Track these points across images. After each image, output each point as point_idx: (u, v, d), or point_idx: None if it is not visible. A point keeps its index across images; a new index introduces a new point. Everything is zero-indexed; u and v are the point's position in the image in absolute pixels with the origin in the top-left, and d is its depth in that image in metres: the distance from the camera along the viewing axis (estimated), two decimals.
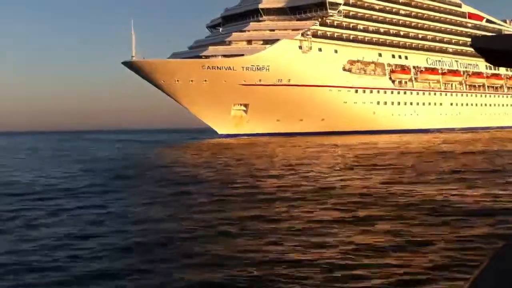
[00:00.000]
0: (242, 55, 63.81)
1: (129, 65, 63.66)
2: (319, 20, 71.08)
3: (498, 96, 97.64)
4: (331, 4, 70.69)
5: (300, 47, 68.10)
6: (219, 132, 68.25)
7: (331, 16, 71.78)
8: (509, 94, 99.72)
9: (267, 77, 64.63)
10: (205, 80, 62.69)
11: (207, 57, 64.44)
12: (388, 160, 30.23)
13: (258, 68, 63.92)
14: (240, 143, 54.86)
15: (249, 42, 67.55)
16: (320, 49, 70.35)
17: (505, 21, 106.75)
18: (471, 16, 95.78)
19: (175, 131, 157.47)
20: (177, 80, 62.51)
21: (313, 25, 69.99)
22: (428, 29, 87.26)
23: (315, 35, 69.87)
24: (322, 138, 61.49)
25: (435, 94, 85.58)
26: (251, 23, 70.06)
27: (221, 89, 63.27)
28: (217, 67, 62.53)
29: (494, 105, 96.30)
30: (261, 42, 66.80)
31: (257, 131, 68.77)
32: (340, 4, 72.27)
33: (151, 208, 15.63)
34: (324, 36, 71.38)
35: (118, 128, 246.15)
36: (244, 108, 67.59)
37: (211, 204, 16.03)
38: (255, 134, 68.39)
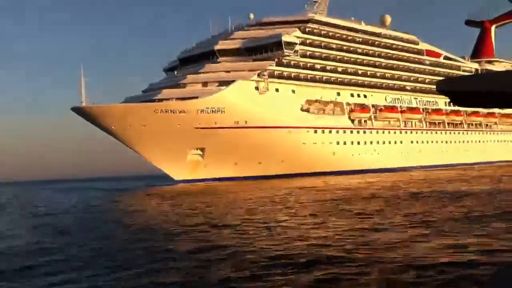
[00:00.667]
0: (197, 97, 61.74)
1: (78, 111, 60.88)
2: (276, 60, 69.81)
3: (459, 133, 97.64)
4: (287, 43, 69.59)
5: (257, 88, 66.49)
6: (176, 178, 65.47)
7: (288, 56, 70.60)
8: (469, 130, 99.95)
9: (223, 119, 62.61)
10: (159, 125, 60.27)
11: (160, 100, 62.16)
12: (355, 203, 28.13)
13: (213, 110, 61.91)
14: (199, 189, 52.40)
15: (205, 84, 65.57)
16: (277, 90, 68.89)
17: (463, 57, 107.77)
18: (428, 53, 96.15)
19: (132, 178, 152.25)
20: (129, 125, 59.94)
21: (269, 65, 68.62)
22: (386, 67, 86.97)
23: (271, 76, 68.46)
24: (282, 181, 59.69)
25: (395, 132, 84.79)
26: (206, 64, 68.34)
27: (175, 133, 60.92)
28: (171, 110, 60.26)
29: (455, 141, 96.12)
30: (217, 84, 64.92)
31: (215, 176, 66.41)
32: (296, 43, 71.25)
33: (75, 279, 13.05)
34: (281, 76, 70.04)
35: (73, 178, 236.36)
36: (201, 152, 65.20)
37: (151, 264, 13.87)
38: (214, 179, 66.04)
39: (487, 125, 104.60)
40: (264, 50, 69.42)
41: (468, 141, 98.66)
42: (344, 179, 58.70)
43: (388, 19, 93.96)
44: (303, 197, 35.49)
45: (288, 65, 71.33)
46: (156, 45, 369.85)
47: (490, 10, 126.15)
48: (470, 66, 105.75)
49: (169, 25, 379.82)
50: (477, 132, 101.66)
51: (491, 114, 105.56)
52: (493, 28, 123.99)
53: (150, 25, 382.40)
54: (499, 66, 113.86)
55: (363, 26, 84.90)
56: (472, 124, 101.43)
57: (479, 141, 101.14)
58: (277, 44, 68.97)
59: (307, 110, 72.20)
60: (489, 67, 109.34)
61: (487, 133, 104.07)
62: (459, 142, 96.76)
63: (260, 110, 65.52)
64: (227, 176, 66.45)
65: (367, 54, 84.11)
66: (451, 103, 2.36)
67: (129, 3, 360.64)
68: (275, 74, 69.39)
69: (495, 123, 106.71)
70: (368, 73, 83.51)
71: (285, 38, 69.07)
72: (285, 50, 69.27)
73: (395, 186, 43.52)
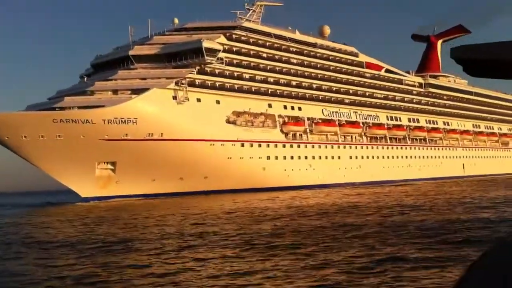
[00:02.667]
0: (103, 106, 56.00)
1: None
2: (198, 68, 64.65)
3: (401, 148, 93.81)
4: (209, 50, 64.35)
5: (175, 97, 61.07)
6: (82, 195, 59.10)
7: (210, 63, 65.47)
8: (412, 145, 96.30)
9: (134, 131, 56.92)
10: (59, 136, 54.25)
11: (62, 109, 56.24)
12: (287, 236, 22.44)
13: (123, 121, 56.16)
14: (109, 208, 47.10)
15: (115, 92, 59.94)
16: (199, 100, 63.61)
17: (408, 72, 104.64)
18: (369, 65, 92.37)
19: (31, 193, 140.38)
20: (24, 136, 53.74)
21: (189, 73, 63.37)
22: (323, 79, 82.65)
23: (192, 84, 63.18)
24: (206, 199, 54.58)
25: (332, 147, 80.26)
26: (119, 71, 62.68)
27: (79, 146, 54.91)
28: (72, 120, 54.30)
29: (397, 157, 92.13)
30: (130, 92, 59.27)
31: (130, 193, 60.38)
32: (218, 50, 66.09)
33: None
34: (203, 86, 64.84)
35: None
36: (112, 167, 59.27)
37: None
38: (128, 196, 60.00)
39: (431, 140, 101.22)
40: (184, 56, 64.16)
41: (411, 157, 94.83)
42: (278, 196, 53.79)
43: (327, 30, 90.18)
44: (233, 221, 30.35)
45: (212, 74, 66.23)
46: (78, 49, 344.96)
47: (437, 26, 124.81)
48: (413, 80, 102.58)
49: (94, 29, 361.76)
50: (421, 148, 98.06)
51: (436, 130, 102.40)
52: (439, 43, 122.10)
53: (77, 28, 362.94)
54: (444, 81, 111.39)
55: (297, 36, 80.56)
56: (416, 139, 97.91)
57: (423, 157, 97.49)
58: (198, 50, 63.66)
59: (234, 122, 67.14)
60: (433, 81, 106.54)
61: (431, 148, 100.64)
62: (402, 157, 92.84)
63: (179, 121, 60.10)
64: (144, 193, 60.61)
65: (302, 65, 79.64)
66: (466, 73, 1.95)
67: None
68: (197, 82, 64.18)
69: (440, 139, 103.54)
70: (303, 84, 78.97)
71: (205, 44, 63.85)
72: (206, 57, 63.98)
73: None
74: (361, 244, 18.11)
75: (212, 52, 64.93)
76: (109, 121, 55.52)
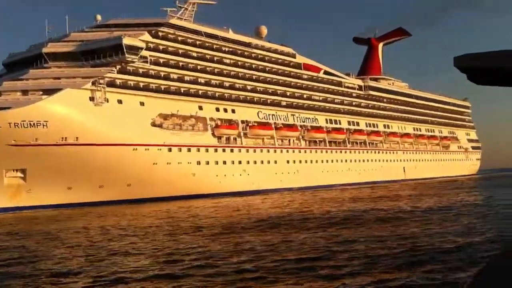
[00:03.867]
0: (9, 108, 50.88)
1: None
2: (118, 67, 60.10)
3: (341, 152, 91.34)
4: (130, 48, 59.85)
5: (92, 99, 56.37)
6: None
7: (132, 62, 61.06)
8: (352, 149, 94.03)
9: (45, 135, 51.94)
10: None
11: None
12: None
13: (32, 124, 51.15)
14: (15, 221, 42.54)
15: (25, 92, 54.81)
16: (120, 101, 59.07)
17: (348, 74, 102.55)
18: (307, 67, 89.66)
19: None
20: None
21: (109, 72, 58.77)
22: (259, 80, 79.28)
23: (112, 85, 58.56)
24: (129, 209, 50.23)
25: (268, 151, 76.88)
26: (30, 70, 57.60)
27: None
28: None
29: (337, 161, 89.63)
30: (41, 93, 54.22)
31: (44, 203, 55.12)
32: (141, 48, 61.62)
33: None
34: (125, 86, 60.28)
35: None
36: (21, 175, 54.04)
37: None
38: (42, 207, 54.75)
39: (371, 143, 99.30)
40: (103, 54, 59.47)
41: (351, 160, 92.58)
42: (210, 203, 50.07)
43: (264, 30, 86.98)
44: (153, 235, 27.04)
45: (134, 73, 61.73)
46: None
47: (378, 28, 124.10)
48: (353, 82, 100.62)
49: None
50: (361, 151, 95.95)
51: (376, 133, 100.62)
52: (380, 45, 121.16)
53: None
54: (384, 83, 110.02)
55: (231, 35, 76.83)
56: (356, 143, 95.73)
57: (363, 160, 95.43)
58: (118, 47, 59.06)
59: (160, 126, 62.83)
60: (374, 84, 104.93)
61: (371, 152, 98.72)
62: (341, 161, 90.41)
63: (96, 124, 55.46)
64: (60, 203, 55.49)
65: (235, 65, 76.01)
66: (470, 81, 1.99)
67: None
68: (118, 83, 59.60)
69: (380, 142, 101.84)
70: (237, 85, 75.38)
71: (126, 41, 59.33)
72: (127, 55, 59.46)
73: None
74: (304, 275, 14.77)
75: (134, 49, 60.50)
76: (16, 124, 50.44)
